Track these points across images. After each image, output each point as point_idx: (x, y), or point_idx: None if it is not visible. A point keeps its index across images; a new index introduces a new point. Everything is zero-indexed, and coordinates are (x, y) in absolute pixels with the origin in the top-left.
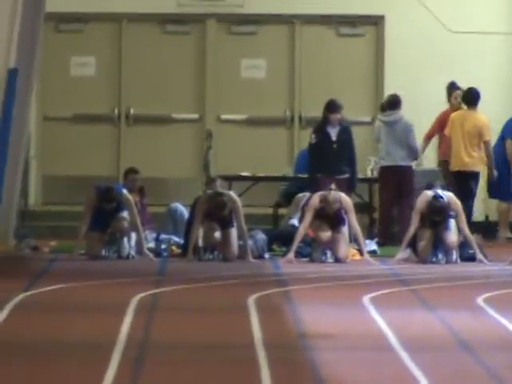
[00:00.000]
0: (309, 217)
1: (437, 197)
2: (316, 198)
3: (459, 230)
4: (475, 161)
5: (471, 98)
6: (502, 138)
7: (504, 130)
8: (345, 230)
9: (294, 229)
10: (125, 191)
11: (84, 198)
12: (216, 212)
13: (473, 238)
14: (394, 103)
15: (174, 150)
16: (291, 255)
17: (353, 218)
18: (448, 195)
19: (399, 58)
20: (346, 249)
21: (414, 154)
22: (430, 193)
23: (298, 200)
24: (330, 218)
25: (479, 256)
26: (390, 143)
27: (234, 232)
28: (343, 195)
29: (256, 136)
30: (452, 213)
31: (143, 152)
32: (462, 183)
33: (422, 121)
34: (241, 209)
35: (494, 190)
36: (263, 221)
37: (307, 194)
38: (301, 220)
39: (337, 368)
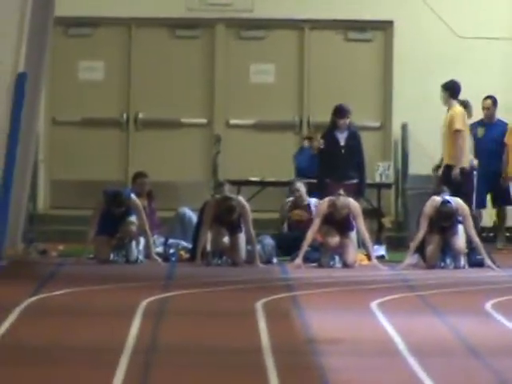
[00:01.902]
0: (317, 222)
1: (445, 202)
2: (325, 204)
3: (467, 236)
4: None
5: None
6: None
7: None
8: (353, 235)
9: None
10: (133, 196)
11: (92, 202)
12: (224, 217)
13: (481, 244)
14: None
15: (182, 154)
16: (299, 260)
17: (361, 224)
18: (456, 201)
19: (408, 63)
20: (354, 254)
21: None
22: (438, 198)
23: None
24: (339, 223)
25: (488, 262)
26: None
27: (242, 237)
28: (352, 200)
29: (264, 141)
30: (460, 218)
31: (152, 156)
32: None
33: (430, 125)
34: (249, 214)
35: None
36: (271, 226)
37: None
38: (289, 226)
39: (345, 373)
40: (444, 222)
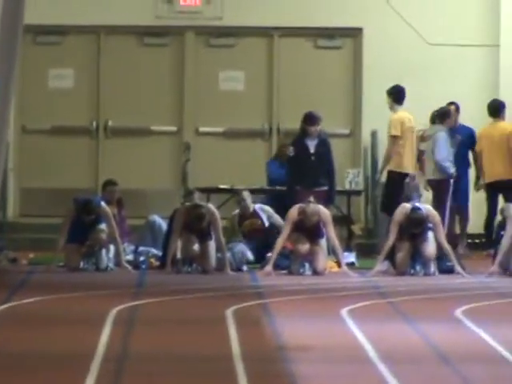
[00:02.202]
0: (287, 229)
1: (415, 209)
2: (294, 211)
3: (437, 243)
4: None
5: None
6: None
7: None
8: (323, 242)
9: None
10: (103, 203)
11: (63, 210)
12: (194, 224)
13: (451, 251)
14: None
15: (152, 162)
16: (269, 267)
17: (331, 231)
18: (426, 208)
19: (377, 70)
20: (324, 261)
21: None
22: (408, 205)
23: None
24: (309, 230)
25: (458, 268)
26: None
27: (212, 244)
28: (322, 208)
29: (234, 148)
30: (430, 225)
31: (121, 164)
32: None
33: None
34: (219, 221)
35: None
36: None
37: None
38: (245, 238)
39: (315, 380)
40: (414, 228)
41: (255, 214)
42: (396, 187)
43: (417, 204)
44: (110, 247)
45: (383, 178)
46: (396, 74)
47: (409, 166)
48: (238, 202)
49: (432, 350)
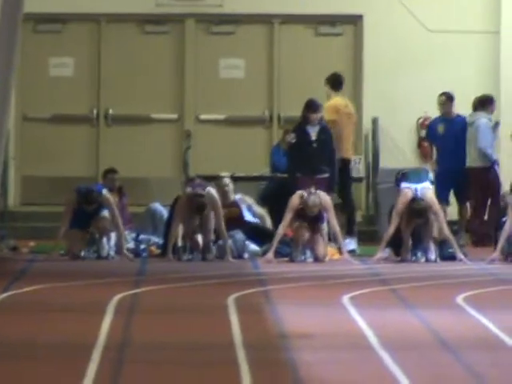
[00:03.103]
0: (288, 217)
1: (416, 199)
2: (296, 199)
3: (439, 229)
4: None
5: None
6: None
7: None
8: (324, 227)
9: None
10: (105, 191)
11: (63, 199)
12: (195, 214)
13: (452, 237)
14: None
15: (153, 150)
16: (270, 255)
17: (332, 217)
18: (427, 195)
19: (378, 57)
20: (324, 248)
21: None
22: (409, 194)
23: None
24: (310, 217)
25: (459, 255)
26: None
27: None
28: (322, 194)
29: (235, 136)
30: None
31: (122, 152)
32: None
33: (401, 119)
34: (220, 207)
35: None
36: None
37: None
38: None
39: (317, 368)
40: (416, 218)
41: (235, 204)
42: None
43: (418, 192)
44: (111, 235)
45: None
46: (397, 61)
47: (348, 150)
48: (219, 188)
49: (433, 336)
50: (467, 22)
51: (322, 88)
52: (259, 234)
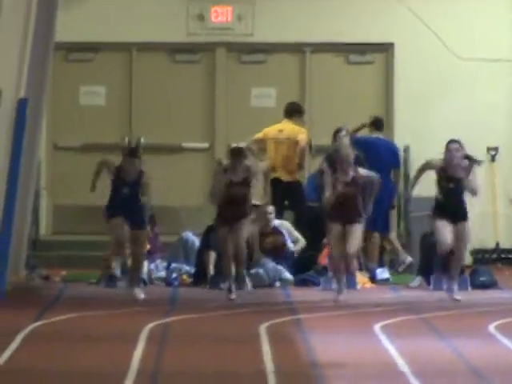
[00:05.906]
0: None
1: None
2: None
3: None
4: None
5: None
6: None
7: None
8: (360, 227)
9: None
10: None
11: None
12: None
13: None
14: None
15: (184, 178)
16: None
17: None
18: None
19: (409, 84)
20: (356, 244)
21: None
22: None
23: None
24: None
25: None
26: None
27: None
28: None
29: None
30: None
31: (154, 181)
32: None
33: (432, 147)
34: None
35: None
36: None
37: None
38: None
39: None
40: None
41: (276, 230)
42: None
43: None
44: (144, 263)
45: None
46: (427, 88)
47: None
48: (260, 217)
49: (465, 365)
50: (497, 49)
51: (352, 116)
52: (301, 264)
